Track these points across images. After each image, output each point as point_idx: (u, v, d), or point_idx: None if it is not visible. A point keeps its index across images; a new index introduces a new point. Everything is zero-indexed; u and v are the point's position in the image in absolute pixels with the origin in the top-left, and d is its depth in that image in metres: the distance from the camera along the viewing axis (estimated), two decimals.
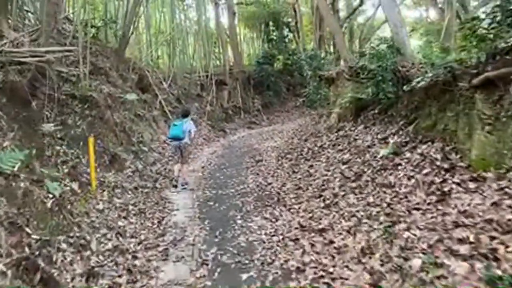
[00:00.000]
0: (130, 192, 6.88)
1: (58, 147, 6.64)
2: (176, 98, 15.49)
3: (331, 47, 29.79)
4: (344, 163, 6.76)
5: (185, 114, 8.47)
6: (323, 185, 6.24)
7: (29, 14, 10.02)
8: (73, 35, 9.81)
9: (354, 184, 5.78)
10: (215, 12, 21.30)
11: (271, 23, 24.10)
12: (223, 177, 8.44)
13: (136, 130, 9.84)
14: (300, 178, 7.11)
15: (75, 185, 5.33)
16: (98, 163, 7.85)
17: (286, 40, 23.78)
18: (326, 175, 6.66)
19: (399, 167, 5.54)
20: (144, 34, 15.92)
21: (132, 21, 11.27)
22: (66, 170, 5.62)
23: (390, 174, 5.51)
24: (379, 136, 7.00)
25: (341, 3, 27.59)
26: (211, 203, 6.47)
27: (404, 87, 5.81)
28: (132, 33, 12.03)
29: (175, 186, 7.91)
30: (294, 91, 22.71)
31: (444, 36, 10.50)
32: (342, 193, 5.62)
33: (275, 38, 23.42)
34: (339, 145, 7.89)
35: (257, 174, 8.34)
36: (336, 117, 9.74)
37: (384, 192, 5.09)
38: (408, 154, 5.75)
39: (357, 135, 7.74)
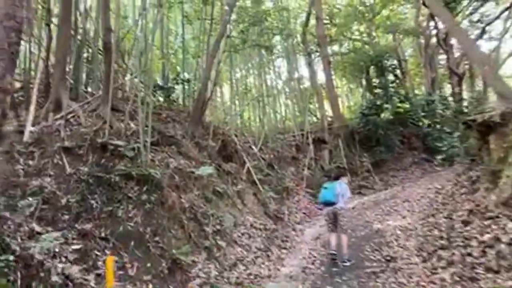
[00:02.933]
0: None
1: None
2: (268, 163, 13.02)
3: (446, 90, 25.45)
4: None
5: (337, 177, 7.26)
6: None
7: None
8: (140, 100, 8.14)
9: None
10: (308, 64, 19.23)
11: (372, 70, 21.25)
12: None
13: (212, 214, 7.35)
14: None
15: None
16: (152, 274, 5.41)
17: (392, 86, 20.41)
18: None
19: None
20: (228, 94, 14.26)
21: (209, 79, 9.42)
22: None
23: None
24: None
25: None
26: None
27: None
28: (212, 93, 10.19)
29: (334, 261, 6.44)
30: (410, 144, 18.80)
31: None
32: None
33: (378, 85, 20.30)
34: None
35: None
36: None
37: None
38: None
39: None
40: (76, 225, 5.65)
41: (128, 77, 9.26)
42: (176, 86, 10.39)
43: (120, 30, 8.78)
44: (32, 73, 8.78)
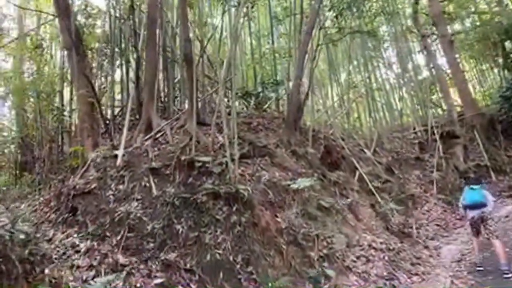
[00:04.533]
0: None
1: None
2: (386, 168, 11.15)
3: None
4: None
5: (477, 181, 6.68)
6: None
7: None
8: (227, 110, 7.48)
9: None
10: (424, 49, 16.62)
11: (508, 44, 17.43)
12: None
13: (317, 235, 6.09)
14: None
15: None
16: None
17: None
18: None
19: None
20: (330, 94, 12.79)
21: (300, 78, 8.26)
22: None
23: None
24: None
25: None
26: None
27: None
28: (308, 94, 8.98)
29: (480, 270, 5.88)
30: None
31: None
32: None
33: None
34: None
35: None
36: None
37: None
38: None
39: None
40: (161, 254, 5.09)
41: (216, 88, 8.75)
42: (268, 91, 9.54)
43: (204, 39, 8.34)
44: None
